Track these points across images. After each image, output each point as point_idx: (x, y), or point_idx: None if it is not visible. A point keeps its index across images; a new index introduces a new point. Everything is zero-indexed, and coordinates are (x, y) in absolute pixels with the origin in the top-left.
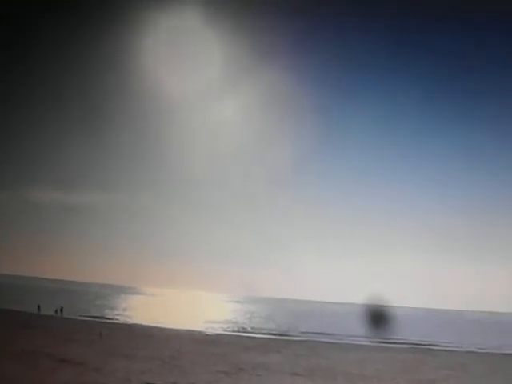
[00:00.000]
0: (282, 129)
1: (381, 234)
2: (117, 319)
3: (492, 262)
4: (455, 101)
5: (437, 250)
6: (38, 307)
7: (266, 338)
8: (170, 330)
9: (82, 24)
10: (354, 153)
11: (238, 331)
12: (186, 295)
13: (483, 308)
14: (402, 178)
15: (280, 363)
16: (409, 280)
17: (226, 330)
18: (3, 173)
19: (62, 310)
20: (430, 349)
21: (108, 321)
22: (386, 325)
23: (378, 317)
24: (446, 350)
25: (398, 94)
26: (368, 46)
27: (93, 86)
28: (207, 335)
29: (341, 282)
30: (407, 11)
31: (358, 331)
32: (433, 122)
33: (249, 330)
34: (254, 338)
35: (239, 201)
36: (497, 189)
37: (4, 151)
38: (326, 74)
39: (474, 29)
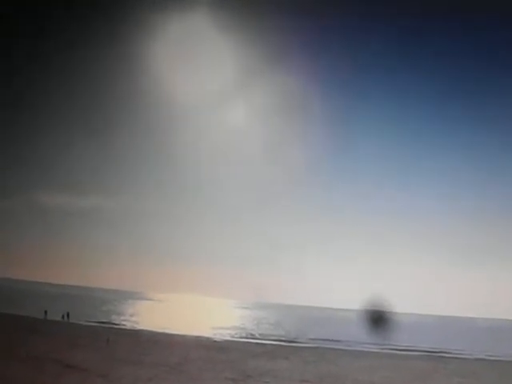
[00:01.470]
0: (290, 130)
1: (390, 239)
2: (124, 325)
3: (505, 267)
4: (464, 101)
5: (449, 257)
6: (45, 312)
7: (274, 344)
8: (178, 336)
9: (90, 26)
10: (361, 154)
11: (246, 337)
12: (193, 301)
13: (496, 315)
14: (413, 181)
15: (288, 370)
16: (419, 287)
17: (233, 337)
18: (8, 178)
19: (68, 315)
20: (441, 356)
21: (115, 326)
22: (395, 332)
23: (386, 323)
24: (457, 358)
25: (407, 94)
26: (377, 46)
27: (98, 88)
28: (215, 341)
29: (350, 288)
30: (416, 12)
31: (367, 338)
32: (440, 123)
33: (257, 336)
34: (263, 344)
35: (251, 207)
36: (508, 191)
37: (9, 156)
38: (336, 75)
39: (484, 29)
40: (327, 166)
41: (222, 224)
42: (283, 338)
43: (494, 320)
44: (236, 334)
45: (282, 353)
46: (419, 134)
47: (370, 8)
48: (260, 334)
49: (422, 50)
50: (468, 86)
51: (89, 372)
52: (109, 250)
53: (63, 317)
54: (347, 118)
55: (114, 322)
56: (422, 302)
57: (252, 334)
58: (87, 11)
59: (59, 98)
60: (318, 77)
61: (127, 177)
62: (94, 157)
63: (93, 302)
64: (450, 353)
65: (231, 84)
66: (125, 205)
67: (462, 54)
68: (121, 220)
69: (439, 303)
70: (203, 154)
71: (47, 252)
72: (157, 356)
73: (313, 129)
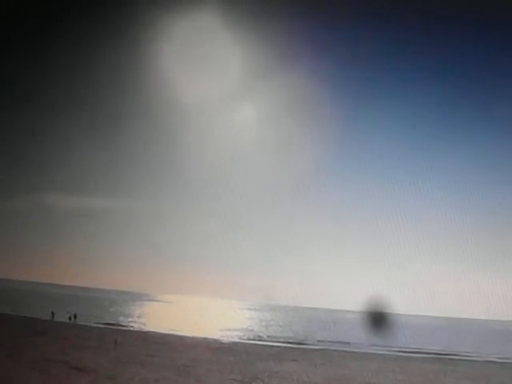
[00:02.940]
0: (299, 130)
1: (399, 240)
2: (131, 326)
3: None
4: (478, 103)
5: (459, 258)
6: (52, 314)
7: (282, 346)
8: (185, 337)
9: (95, 26)
10: (370, 154)
11: (254, 339)
12: (201, 302)
13: (506, 317)
14: (424, 181)
15: (296, 372)
16: (429, 288)
17: (241, 338)
18: (15, 179)
19: (75, 316)
20: (450, 359)
21: (123, 328)
22: (403, 334)
23: (395, 325)
24: (467, 360)
25: (418, 94)
26: (388, 47)
27: (107, 88)
28: (223, 343)
29: (358, 290)
30: (427, 10)
31: (376, 340)
32: (452, 123)
33: (265, 338)
34: (271, 346)
35: (257, 207)
36: None
37: (15, 157)
38: (345, 76)
39: (497, 28)
40: (335, 166)
41: (230, 225)
42: (291, 340)
43: (504, 322)
44: (244, 335)
45: (290, 355)
46: (430, 135)
47: (385, 7)
48: (268, 336)
49: (434, 50)
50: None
51: (96, 374)
52: (116, 252)
53: (70, 318)
54: (357, 118)
55: (121, 323)
56: (431, 303)
57: (260, 336)
58: (93, 9)
59: (66, 98)
60: (327, 76)
61: (135, 178)
62: (102, 158)
63: (100, 304)
64: (460, 355)
65: (240, 84)
66: (131, 206)
67: (474, 54)
68: (127, 221)
69: (448, 305)
70: (212, 155)
71: (54, 253)
72: (164, 358)
73: (322, 129)
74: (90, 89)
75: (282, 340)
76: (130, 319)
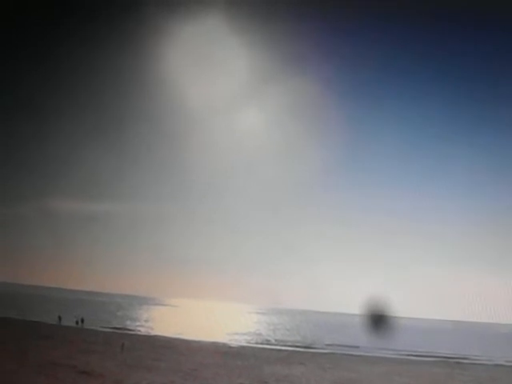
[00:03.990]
0: (304, 133)
1: (405, 243)
2: (139, 330)
3: None
4: (484, 106)
5: (466, 261)
6: (59, 318)
7: (290, 350)
8: (193, 341)
9: (99, 29)
10: (375, 156)
11: (262, 343)
12: (207, 306)
13: None
14: (429, 183)
15: (305, 376)
16: (436, 292)
17: (249, 342)
18: (21, 183)
19: (82, 320)
20: (458, 362)
21: (130, 332)
22: (412, 337)
23: (401, 329)
24: (475, 364)
25: (424, 96)
26: (394, 48)
27: (110, 92)
28: (230, 347)
29: (366, 293)
30: (433, 12)
31: (384, 344)
32: (457, 124)
33: (273, 342)
34: (279, 350)
35: (261, 210)
36: None
37: (20, 162)
38: (352, 77)
39: (504, 29)
40: (340, 168)
41: (236, 228)
42: (299, 344)
43: (510, 325)
44: (252, 339)
45: (299, 359)
46: (436, 136)
47: (390, 9)
48: (276, 340)
49: (440, 51)
50: (487, 86)
51: (103, 378)
52: (121, 255)
53: (77, 322)
54: (362, 120)
55: (128, 327)
56: (438, 307)
57: (268, 340)
58: (98, 12)
59: (70, 102)
60: (333, 78)
61: (143, 183)
62: (106, 161)
63: (107, 308)
64: (468, 359)
65: (246, 87)
66: (136, 210)
67: (480, 55)
68: (132, 225)
69: (456, 308)
70: (216, 158)
71: (59, 257)
72: (172, 362)
73: (327, 130)
74: (94, 92)
75: (289, 344)
76: (137, 323)
